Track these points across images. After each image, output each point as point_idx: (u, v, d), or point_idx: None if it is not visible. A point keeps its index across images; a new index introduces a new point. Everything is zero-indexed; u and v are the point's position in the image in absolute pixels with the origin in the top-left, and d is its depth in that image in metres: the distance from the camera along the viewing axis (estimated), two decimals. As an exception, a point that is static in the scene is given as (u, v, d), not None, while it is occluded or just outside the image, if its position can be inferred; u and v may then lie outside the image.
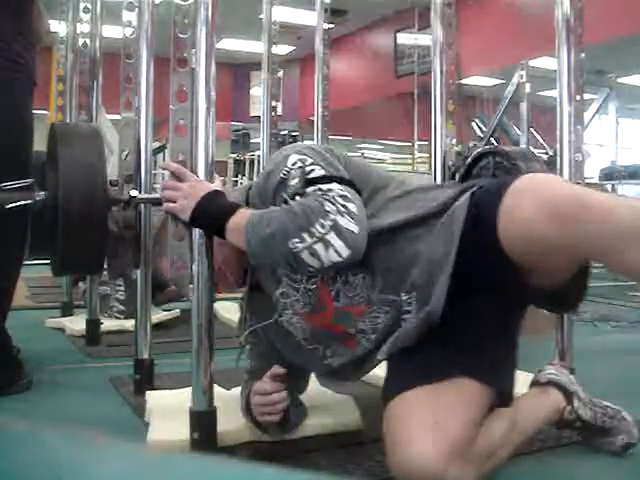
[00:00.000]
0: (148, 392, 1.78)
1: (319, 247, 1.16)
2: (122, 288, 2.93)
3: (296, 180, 1.25)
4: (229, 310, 3.07)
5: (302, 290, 1.33)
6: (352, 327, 1.31)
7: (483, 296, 1.18)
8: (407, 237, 1.23)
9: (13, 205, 1.62)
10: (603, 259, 1.03)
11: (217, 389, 1.45)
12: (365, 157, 13.85)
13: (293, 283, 1.34)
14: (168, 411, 1.59)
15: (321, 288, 1.31)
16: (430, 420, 1.09)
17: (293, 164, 1.27)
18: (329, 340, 1.38)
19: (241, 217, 1.26)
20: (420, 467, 1.01)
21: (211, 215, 1.31)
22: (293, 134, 12.07)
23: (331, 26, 2.96)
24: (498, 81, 9.11)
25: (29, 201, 1.64)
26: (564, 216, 0.98)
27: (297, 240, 1.17)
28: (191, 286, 1.40)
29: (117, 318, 2.92)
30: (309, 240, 1.17)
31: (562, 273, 1.15)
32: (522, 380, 1.40)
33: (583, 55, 1.92)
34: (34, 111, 1.96)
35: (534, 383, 1.46)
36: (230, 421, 1.47)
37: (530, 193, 1.03)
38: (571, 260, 1.12)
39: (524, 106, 5.68)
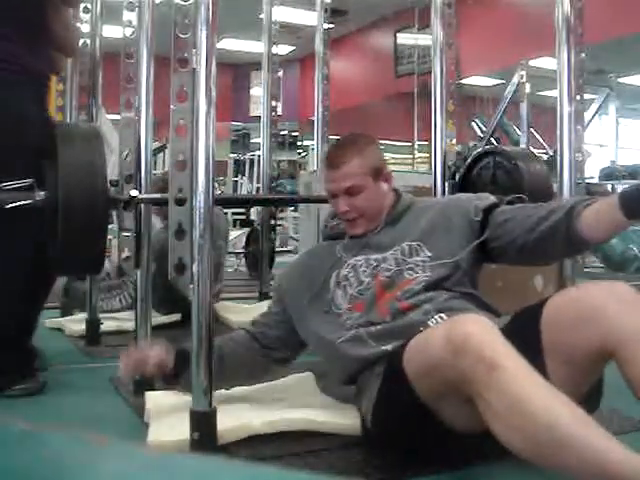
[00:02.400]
0: (147, 392, 1.77)
1: None
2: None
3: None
4: (229, 310, 3.07)
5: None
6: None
7: None
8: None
9: (13, 205, 1.62)
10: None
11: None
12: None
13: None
14: (168, 411, 1.59)
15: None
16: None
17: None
18: (369, 304, 1.55)
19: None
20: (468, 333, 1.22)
21: None
22: (293, 134, 12.08)
23: (331, 26, 2.96)
24: (498, 81, 9.10)
25: (29, 201, 1.64)
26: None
27: None
28: (191, 286, 1.40)
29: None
30: None
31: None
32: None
33: (583, 55, 1.92)
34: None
35: None
36: (230, 420, 1.47)
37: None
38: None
39: (524, 106, 5.69)
